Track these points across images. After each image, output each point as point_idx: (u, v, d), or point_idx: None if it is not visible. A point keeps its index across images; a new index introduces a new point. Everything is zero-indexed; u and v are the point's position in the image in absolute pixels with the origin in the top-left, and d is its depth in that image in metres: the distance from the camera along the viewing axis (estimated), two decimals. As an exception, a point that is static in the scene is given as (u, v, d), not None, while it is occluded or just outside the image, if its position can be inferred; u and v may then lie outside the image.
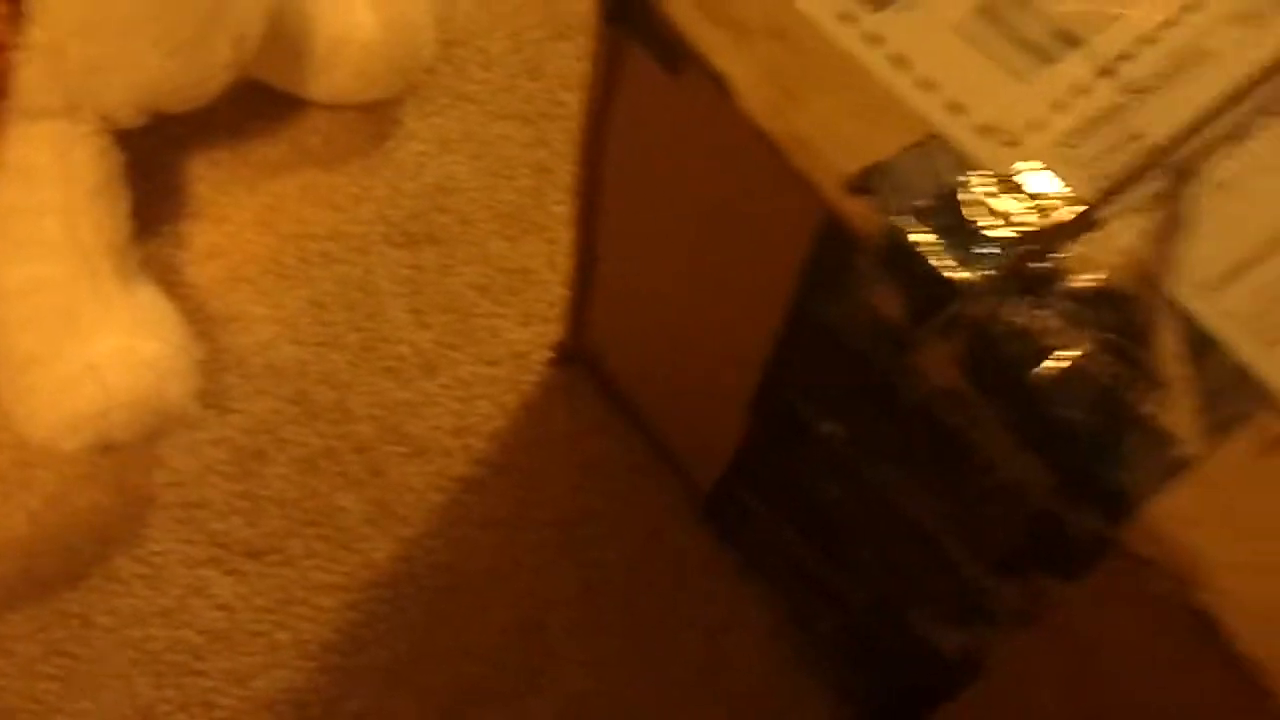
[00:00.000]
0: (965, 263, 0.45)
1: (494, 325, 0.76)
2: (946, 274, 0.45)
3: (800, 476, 0.59)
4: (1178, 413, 0.43)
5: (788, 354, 0.56)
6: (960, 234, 0.46)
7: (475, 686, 0.66)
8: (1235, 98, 0.50)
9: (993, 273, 0.45)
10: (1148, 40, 0.51)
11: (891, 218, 0.46)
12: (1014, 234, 0.46)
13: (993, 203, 0.46)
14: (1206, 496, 0.43)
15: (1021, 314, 0.45)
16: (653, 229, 0.62)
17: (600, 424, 0.73)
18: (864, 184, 0.46)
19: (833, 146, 0.47)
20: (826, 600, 0.63)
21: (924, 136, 0.48)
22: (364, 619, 0.68)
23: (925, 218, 0.46)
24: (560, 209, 0.80)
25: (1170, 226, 0.47)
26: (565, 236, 0.78)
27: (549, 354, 0.75)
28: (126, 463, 0.70)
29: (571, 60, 0.85)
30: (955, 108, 0.48)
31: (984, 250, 0.45)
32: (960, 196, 0.47)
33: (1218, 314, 0.46)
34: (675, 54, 0.51)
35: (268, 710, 0.65)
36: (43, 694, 0.65)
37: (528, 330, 0.76)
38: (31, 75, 0.64)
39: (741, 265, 0.56)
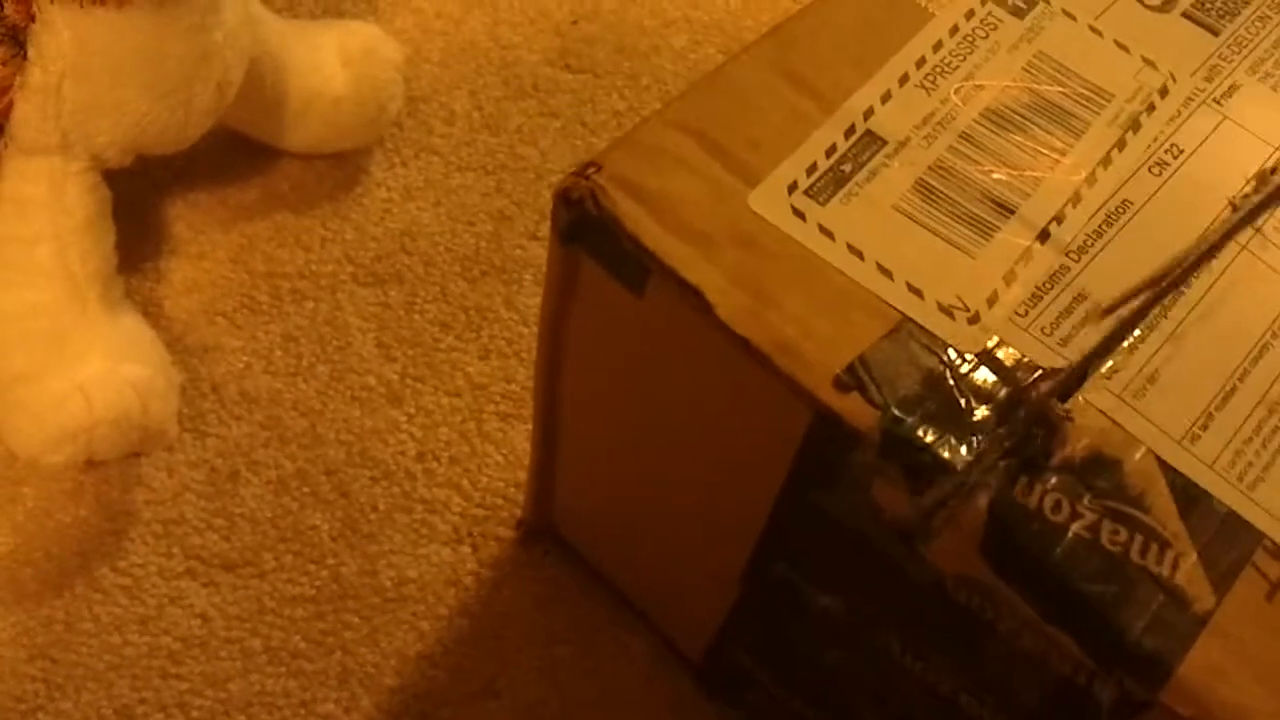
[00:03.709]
0: (961, 448, 0.46)
1: (455, 359, 0.81)
2: (948, 462, 0.46)
3: (798, 643, 0.60)
4: (1185, 569, 0.45)
5: (780, 535, 0.56)
6: (951, 419, 0.47)
7: (436, 690, 0.70)
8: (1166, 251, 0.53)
9: (991, 455, 0.46)
10: (1073, 200, 0.54)
11: (883, 411, 0.47)
12: (1000, 412, 0.47)
13: (974, 382, 0.48)
14: (1227, 649, 0.44)
15: (1025, 493, 0.46)
16: (618, 425, 0.62)
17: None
18: (850, 380, 0.47)
19: (813, 345, 0.48)
20: None
21: (896, 323, 0.49)
22: (331, 628, 0.71)
23: (915, 406, 0.47)
24: (518, 253, 0.85)
25: (1137, 382, 0.49)
26: (523, 277, 0.84)
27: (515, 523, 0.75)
28: (108, 481, 0.74)
29: (529, 117, 0.91)
30: (915, 290, 0.50)
31: (976, 433, 0.47)
32: (943, 381, 0.48)
33: (1198, 464, 0.48)
34: (639, 273, 0.51)
35: (242, 712, 0.69)
36: (26, 694, 0.68)
37: (487, 364, 0.81)
38: (29, 114, 0.69)
39: (724, 461, 0.56)
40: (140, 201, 0.83)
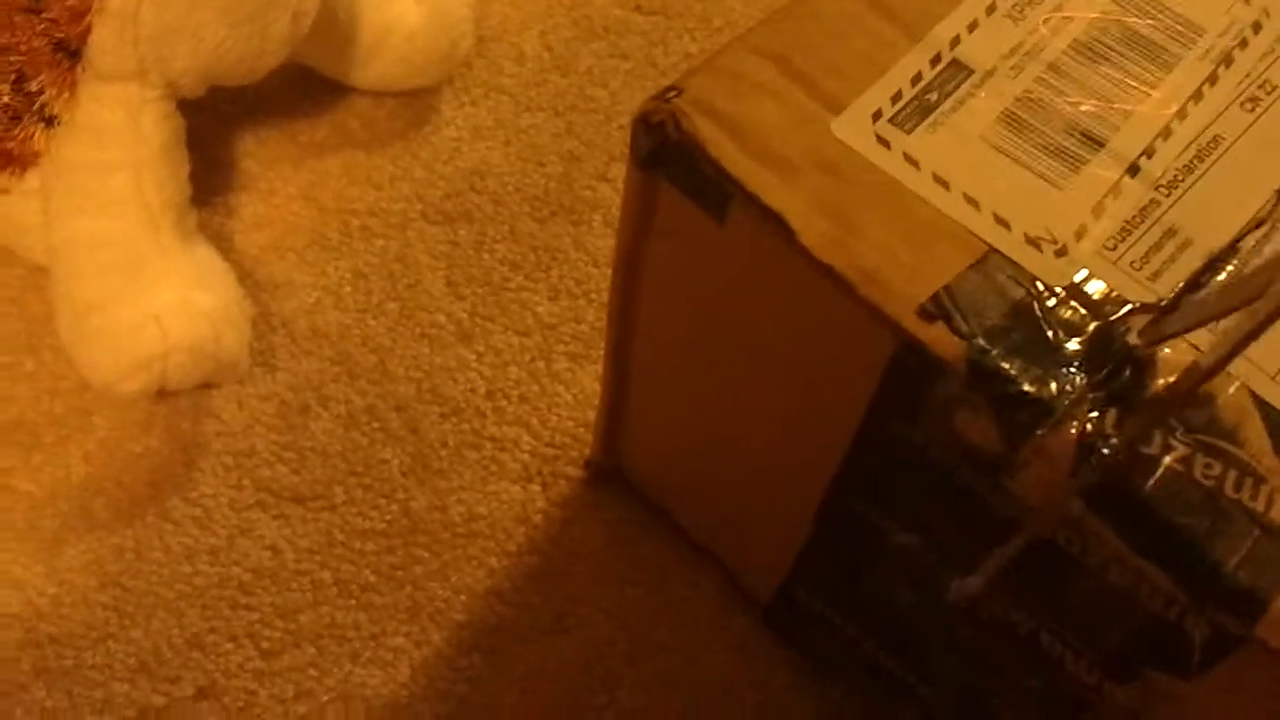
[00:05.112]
0: (1049, 380, 0.46)
1: (524, 298, 0.80)
2: (1036, 394, 0.46)
3: (872, 582, 0.59)
4: None
5: (859, 471, 0.55)
6: (1039, 351, 0.46)
7: (505, 626, 0.70)
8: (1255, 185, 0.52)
9: (1079, 387, 0.46)
10: (1163, 134, 0.52)
11: (969, 341, 0.46)
12: (1089, 345, 0.47)
13: (1062, 315, 0.47)
14: None
15: (1116, 426, 0.45)
16: (693, 360, 0.61)
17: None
18: (936, 310, 0.47)
19: (897, 274, 0.48)
20: (906, 695, 0.63)
21: (982, 254, 0.48)
22: (402, 562, 0.71)
23: (1001, 338, 0.47)
24: (588, 193, 0.84)
25: (1231, 318, 0.47)
26: (592, 218, 0.83)
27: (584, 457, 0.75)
28: (178, 412, 0.74)
29: (599, 59, 0.90)
30: (1002, 221, 0.49)
31: (1065, 365, 0.46)
32: (1030, 312, 0.47)
33: None
34: (720, 199, 0.50)
35: (312, 644, 0.69)
36: (97, 621, 0.69)
37: (556, 304, 0.80)
38: (106, 38, 0.69)
39: (802, 393, 0.56)
40: (210, 137, 0.83)
